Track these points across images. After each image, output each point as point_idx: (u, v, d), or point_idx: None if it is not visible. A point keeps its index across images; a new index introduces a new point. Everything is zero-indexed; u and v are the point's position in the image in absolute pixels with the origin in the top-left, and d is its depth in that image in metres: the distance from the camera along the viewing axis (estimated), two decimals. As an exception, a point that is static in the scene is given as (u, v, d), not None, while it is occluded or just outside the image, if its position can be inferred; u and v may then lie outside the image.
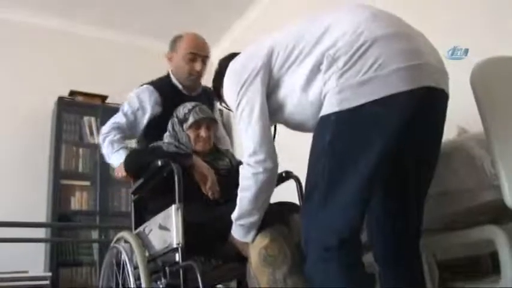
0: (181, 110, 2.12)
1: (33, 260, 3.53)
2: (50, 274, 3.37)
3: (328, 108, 1.35)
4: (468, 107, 1.53)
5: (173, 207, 1.72)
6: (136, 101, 2.25)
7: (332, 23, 1.43)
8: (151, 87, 2.27)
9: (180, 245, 1.66)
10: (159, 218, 1.83)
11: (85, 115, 4.11)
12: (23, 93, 3.99)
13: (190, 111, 2.09)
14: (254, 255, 1.61)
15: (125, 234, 2.00)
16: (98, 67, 4.36)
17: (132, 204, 2.15)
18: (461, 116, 1.78)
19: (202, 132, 2.08)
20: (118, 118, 2.26)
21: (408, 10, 2.21)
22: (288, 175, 2.12)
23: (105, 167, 3.96)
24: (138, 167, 2.01)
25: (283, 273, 1.56)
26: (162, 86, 2.28)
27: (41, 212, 3.75)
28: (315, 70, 1.40)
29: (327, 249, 1.30)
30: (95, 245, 3.80)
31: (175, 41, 2.31)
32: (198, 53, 2.27)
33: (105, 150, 2.23)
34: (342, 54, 1.34)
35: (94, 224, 3.86)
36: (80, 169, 3.96)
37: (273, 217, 1.66)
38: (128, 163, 2.07)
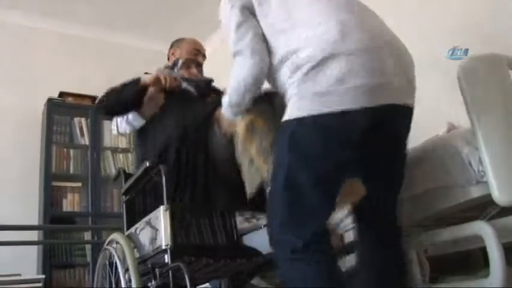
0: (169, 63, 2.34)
1: (26, 262, 3.50)
2: (43, 277, 3.36)
3: (289, 114, 1.42)
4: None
5: (161, 208, 1.71)
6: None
7: (309, 18, 1.46)
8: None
9: (169, 246, 1.65)
10: (148, 218, 1.82)
11: (75, 116, 4.09)
12: (12, 95, 3.96)
13: (178, 58, 2.32)
14: (242, 128, 1.68)
15: (116, 236, 2.00)
16: (88, 67, 4.34)
17: (124, 205, 2.14)
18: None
19: (193, 69, 2.31)
20: None
21: (409, 10, 2.40)
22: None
23: (97, 167, 3.97)
24: (114, 104, 2.20)
25: (269, 142, 1.63)
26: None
27: (33, 214, 3.73)
28: (284, 60, 1.46)
29: (293, 251, 1.35)
30: (88, 246, 3.79)
31: (177, 41, 2.47)
32: (200, 49, 2.46)
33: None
34: (306, 63, 1.39)
35: (86, 225, 3.84)
36: (71, 170, 3.94)
37: (259, 98, 1.69)
38: (105, 106, 2.22)
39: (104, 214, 3.92)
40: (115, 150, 4.18)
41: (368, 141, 1.39)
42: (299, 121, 1.38)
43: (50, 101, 3.97)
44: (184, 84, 2.24)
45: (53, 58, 4.27)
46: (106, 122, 4.18)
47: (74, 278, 3.67)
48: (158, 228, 1.71)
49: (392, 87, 1.39)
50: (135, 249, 1.90)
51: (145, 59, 4.62)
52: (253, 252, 2.01)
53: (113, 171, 4.08)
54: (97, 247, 3.73)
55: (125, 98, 2.17)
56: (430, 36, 1.44)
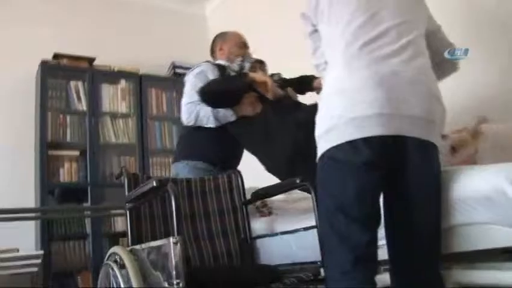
0: (234, 65, 2.46)
1: (23, 236, 3.38)
2: (41, 252, 3.24)
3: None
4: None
5: (171, 240, 1.52)
6: (203, 78, 2.38)
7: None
8: (210, 64, 2.47)
9: (181, 285, 1.49)
10: (157, 245, 1.64)
11: (71, 79, 3.84)
12: (2, 58, 3.67)
13: (242, 61, 2.46)
14: None
15: (118, 250, 1.83)
16: (84, 27, 4.03)
17: (127, 213, 1.96)
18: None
19: (259, 71, 2.44)
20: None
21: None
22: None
23: (95, 135, 3.76)
24: (217, 94, 2.29)
25: None
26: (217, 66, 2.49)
27: (29, 185, 3.58)
28: None
29: (343, 273, 1.46)
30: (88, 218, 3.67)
31: (220, 35, 2.63)
32: (245, 41, 2.63)
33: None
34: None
35: (86, 206, 3.70)
36: (68, 138, 3.74)
37: None
38: (207, 92, 2.26)
39: (103, 184, 3.76)
40: (114, 116, 3.97)
41: (381, 165, 1.46)
42: (320, 159, 1.56)
43: (44, 63, 3.70)
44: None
45: (46, 17, 3.93)
46: (104, 86, 3.95)
47: (73, 249, 3.58)
48: (168, 260, 1.54)
49: (395, 118, 1.45)
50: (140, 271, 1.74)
51: (146, 16, 4.36)
52: (267, 271, 1.88)
53: (113, 138, 3.90)
54: (96, 218, 3.63)
55: (231, 88, 2.31)
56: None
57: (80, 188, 3.71)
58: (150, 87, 4.14)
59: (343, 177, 1.48)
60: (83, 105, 3.82)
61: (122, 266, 1.78)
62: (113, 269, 1.82)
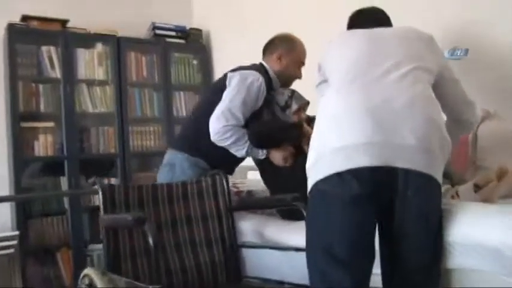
0: (281, 97, 2.34)
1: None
2: (17, 233, 3.13)
3: None
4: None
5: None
6: (254, 91, 2.24)
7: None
8: (262, 77, 2.28)
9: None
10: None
11: (43, 44, 3.53)
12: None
13: (290, 98, 2.33)
14: None
15: (91, 273, 1.69)
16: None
17: (104, 232, 1.80)
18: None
19: (303, 115, 2.36)
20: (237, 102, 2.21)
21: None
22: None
23: (71, 104, 3.53)
24: (265, 137, 2.23)
25: None
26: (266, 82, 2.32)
27: (1, 161, 3.38)
28: None
29: None
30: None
31: (289, 44, 2.41)
32: (304, 61, 2.45)
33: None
34: None
35: (65, 191, 3.53)
36: (42, 109, 3.51)
37: None
38: (257, 134, 2.20)
39: (80, 157, 3.58)
40: (91, 83, 3.72)
41: (371, 199, 1.37)
42: (309, 193, 1.50)
43: (11, 26, 3.39)
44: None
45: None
46: (79, 50, 3.69)
47: (52, 226, 3.45)
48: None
49: (377, 147, 1.36)
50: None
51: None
52: None
53: (90, 107, 3.67)
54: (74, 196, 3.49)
55: (281, 137, 2.25)
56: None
57: (57, 162, 3.52)
58: (129, 51, 3.86)
59: (330, 213, 1.40)
60: (56, 73, 3.55)
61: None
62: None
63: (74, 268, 3.35)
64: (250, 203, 2.15)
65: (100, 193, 1.82)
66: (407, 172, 1.35)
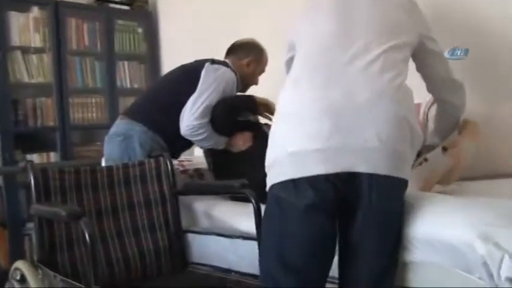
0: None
1: None
2: None
3: None
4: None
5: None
6: (230, 89, 2.26)
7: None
8: (236, 78, 2.30)
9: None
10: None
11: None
12: None
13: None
14: None
15: (21, 266, 1.57)
16: None
17: (36, 221, 1.66)
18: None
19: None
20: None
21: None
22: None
23: (3, 73, 3.27)
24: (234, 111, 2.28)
25: None
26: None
27: None
28: None
29: None
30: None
31: (259, 53, 2.45)
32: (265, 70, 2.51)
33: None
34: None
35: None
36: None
37: None
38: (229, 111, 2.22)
39: (16, 131, 3.34)
40: (26, 51, 3.44)
41: (329, 208, 1.29)
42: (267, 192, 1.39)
43: None
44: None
45: None
46: (12, 14, 3.39)
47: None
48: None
49: (337, 151, 1.25)
50: None
51: None
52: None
53: (25, 77, 3.43)
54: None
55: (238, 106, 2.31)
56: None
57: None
58: (69, 17, 3.59)
59: (284, 222, 1.32)
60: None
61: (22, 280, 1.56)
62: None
63: (10, 248, 3.17)
64: (196, 188, 2.07)
65: (32, 179, 1.68)
66: (370, 176, 1.26)
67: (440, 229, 1.31)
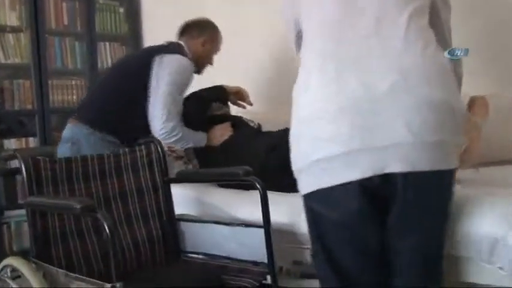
0: None
1: None
2: None
3: None
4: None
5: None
6: (188, 79, 2.25)
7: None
8: (191, 65, 2.25)
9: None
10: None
11: None
12: None
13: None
14: None
15: (13, 263, 1.50)
16: None
17: (28, 212, 1.59)
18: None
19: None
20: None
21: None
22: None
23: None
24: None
25: None
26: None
27: None
28: None
29: None
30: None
31: (214, 32, 2.40)
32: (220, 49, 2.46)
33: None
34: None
35: None
36: None
37: None
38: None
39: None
40: (2, 30, 3.29)
41: (366, 213, 1.20)
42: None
43: None
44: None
45: None
46: (-14, -9, 3.22)
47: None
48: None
49: (369, 153, 1.13)
50: None
51: None
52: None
53: (1, 58, 3.28)
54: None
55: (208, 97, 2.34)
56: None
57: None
58: (47, -5, 3.45)
59: (322, 231, 1.26)
60: None
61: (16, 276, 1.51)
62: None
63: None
64: (192, 176, 2.02)
65: (23, 170, 1.61)
66: (406, 175, 1.13)
67: (475, 223, 1.31)
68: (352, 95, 1.13)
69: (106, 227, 1.21)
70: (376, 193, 1.16)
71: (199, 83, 2.40)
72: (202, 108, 2.29)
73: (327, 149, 1.15)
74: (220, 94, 2.36)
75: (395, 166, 1.11)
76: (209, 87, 2.37)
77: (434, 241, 1.24)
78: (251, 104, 2.48)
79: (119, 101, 2.16)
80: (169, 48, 2.25)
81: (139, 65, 2.23)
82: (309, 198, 1.26)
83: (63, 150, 2.16)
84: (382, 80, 1.11)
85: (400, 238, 1.22)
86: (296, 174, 1.29)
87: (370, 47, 1.15)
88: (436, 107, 1.11)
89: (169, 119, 2.13)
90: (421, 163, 1.12)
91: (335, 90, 1.15)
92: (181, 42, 2.33)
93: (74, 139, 2.16)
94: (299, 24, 1.36)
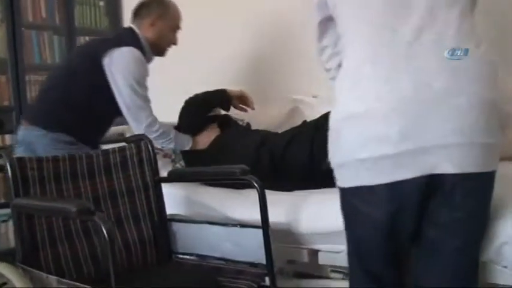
0: None
1: None
2: None
3: None
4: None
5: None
6: (142, 67, 2.14)
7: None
8: (140, 54, 2.13)
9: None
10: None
11: None
12: None
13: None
14: None
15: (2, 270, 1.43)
16: None
17: (14, 214, 1.51)
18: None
19: None
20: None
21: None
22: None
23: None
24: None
25: None
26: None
27: None
28: None
29: None
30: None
31: (162, 8, 2.21)
32: (180, 25, 2.28)
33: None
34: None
35: None
36: None
37: None
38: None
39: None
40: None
41: (408, 214, 1.20)
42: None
43: None
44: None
45: None
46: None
47: None
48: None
49: (420, 153, 1.12)
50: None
51: None
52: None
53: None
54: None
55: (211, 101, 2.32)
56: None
57: None
58: (24, -14, 3.33)
59: (361, 229, 1.27)
60: None
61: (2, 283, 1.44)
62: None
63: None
64: (185, 175, 1.96)
65: (9, 171, 1.52)
66: (454, 176, 1.13)
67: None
68: (403, 95, 1.12)
69: (104, 231, 1.14)
70: (423, 194, 1.16)
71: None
72: (204, 113, 2.27)
73: (375, 150, 1.14)
74: (223, 98, 2.32)
75: (444, 167, 1.12)
76: (212, 91, 2.31)
77: (477, 244, 1.25)
78: (253, 109, 2.42)
79: (69, 98, 2.08)
80: (114, 41, 2.15)
81: (87, 66, 2.13)
82: (349, 192, 1.24)
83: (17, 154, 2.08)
84: (434, 80, 1.11)
85: (446, 239, 1.20)
86: (335, 167, 1.27)
87: (423, 42, 1.13)
88: (486, 108, 1.12)
89: (145, 116, 2.12)
90: (470, 165, 1.13)
91: (387, 89, 1.13)
92: (133, 26, 2.20)
93: (26, 142, 2.07)
94: (329, 8, 1.30)
